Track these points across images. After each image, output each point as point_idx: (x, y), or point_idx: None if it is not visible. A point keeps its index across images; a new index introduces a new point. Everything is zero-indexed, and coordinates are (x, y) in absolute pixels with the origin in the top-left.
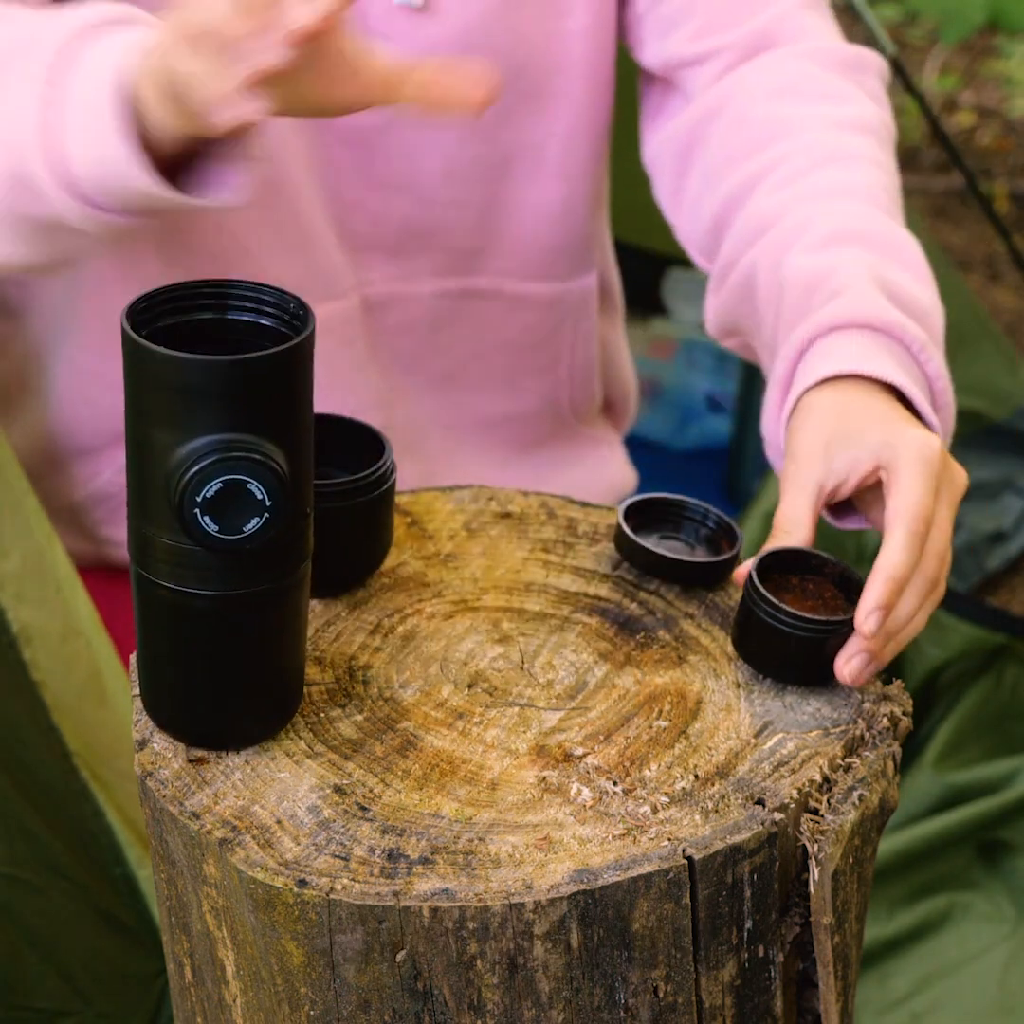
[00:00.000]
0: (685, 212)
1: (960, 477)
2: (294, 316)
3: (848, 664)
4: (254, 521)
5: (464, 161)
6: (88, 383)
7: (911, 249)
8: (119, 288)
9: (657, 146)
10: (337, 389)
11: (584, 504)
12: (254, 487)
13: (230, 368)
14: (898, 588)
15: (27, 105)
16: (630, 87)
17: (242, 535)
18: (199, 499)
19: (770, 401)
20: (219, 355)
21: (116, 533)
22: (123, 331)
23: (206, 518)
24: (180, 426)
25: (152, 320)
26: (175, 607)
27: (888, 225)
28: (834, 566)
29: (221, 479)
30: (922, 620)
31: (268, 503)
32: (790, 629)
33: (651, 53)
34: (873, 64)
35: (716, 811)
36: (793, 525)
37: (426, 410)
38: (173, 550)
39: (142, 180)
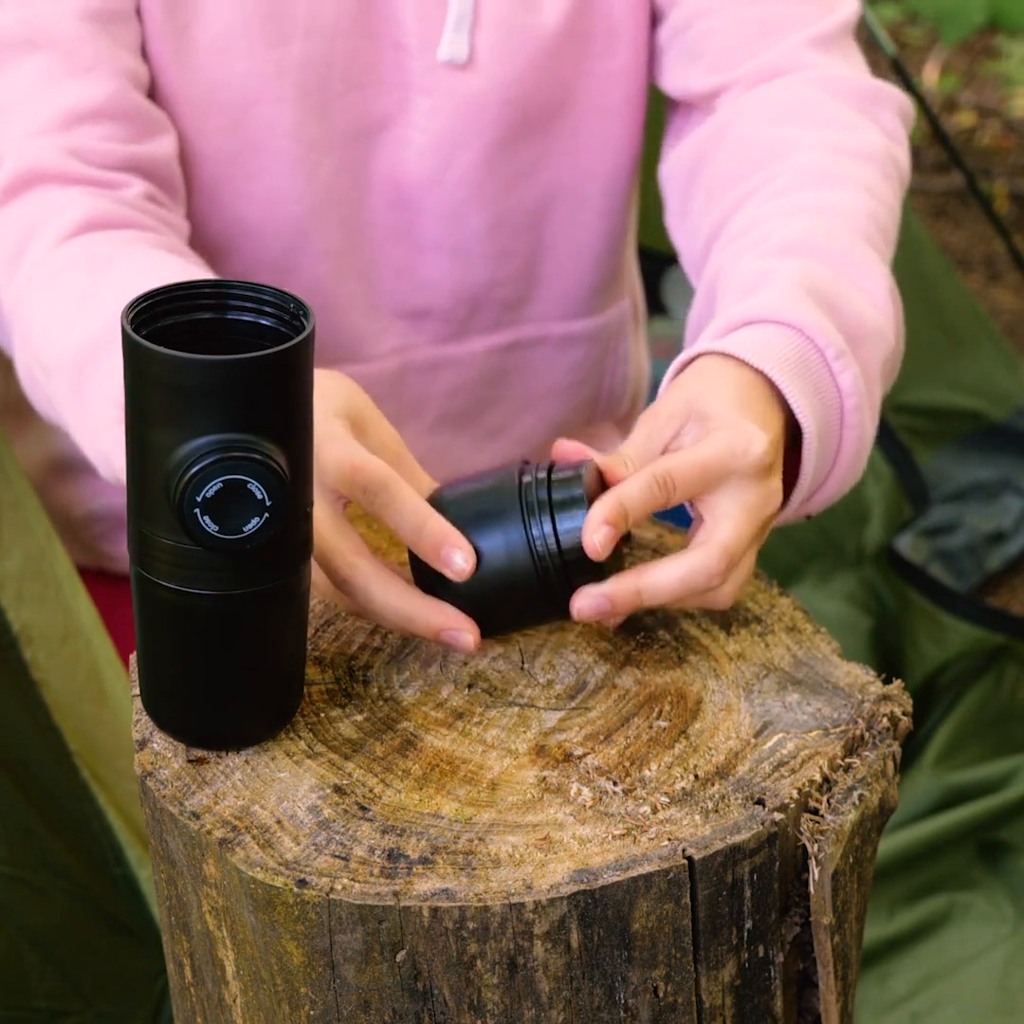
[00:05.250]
0: (687, 231)
1: (772, 495)
2: (294, 316)
3: (587, 596)
4: (254, 521)
5: (508, 209)
6: None
7: (874, 275)
8: None
9: (668, 166)
10: None
11: None
12: (254, 487)
13: (230, 368)
14: (623, 512)
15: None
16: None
17: (242, 535)
18: (199, 499)
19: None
20: (218, 355)
21: (115, 549)
22: (123, 330)
23: (206, 518)
24: (180, 426)
25: (152, 320)
26: (175, 607)
27: (855, 246)
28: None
29: (221, 479)
30: (683, 597)
31: (268, 503)
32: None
33: (671, 83)
34: (892, 100)
35: (716, 811)
36: (635, 461)
37: (472, 466)
38: (173, 550)
39: None
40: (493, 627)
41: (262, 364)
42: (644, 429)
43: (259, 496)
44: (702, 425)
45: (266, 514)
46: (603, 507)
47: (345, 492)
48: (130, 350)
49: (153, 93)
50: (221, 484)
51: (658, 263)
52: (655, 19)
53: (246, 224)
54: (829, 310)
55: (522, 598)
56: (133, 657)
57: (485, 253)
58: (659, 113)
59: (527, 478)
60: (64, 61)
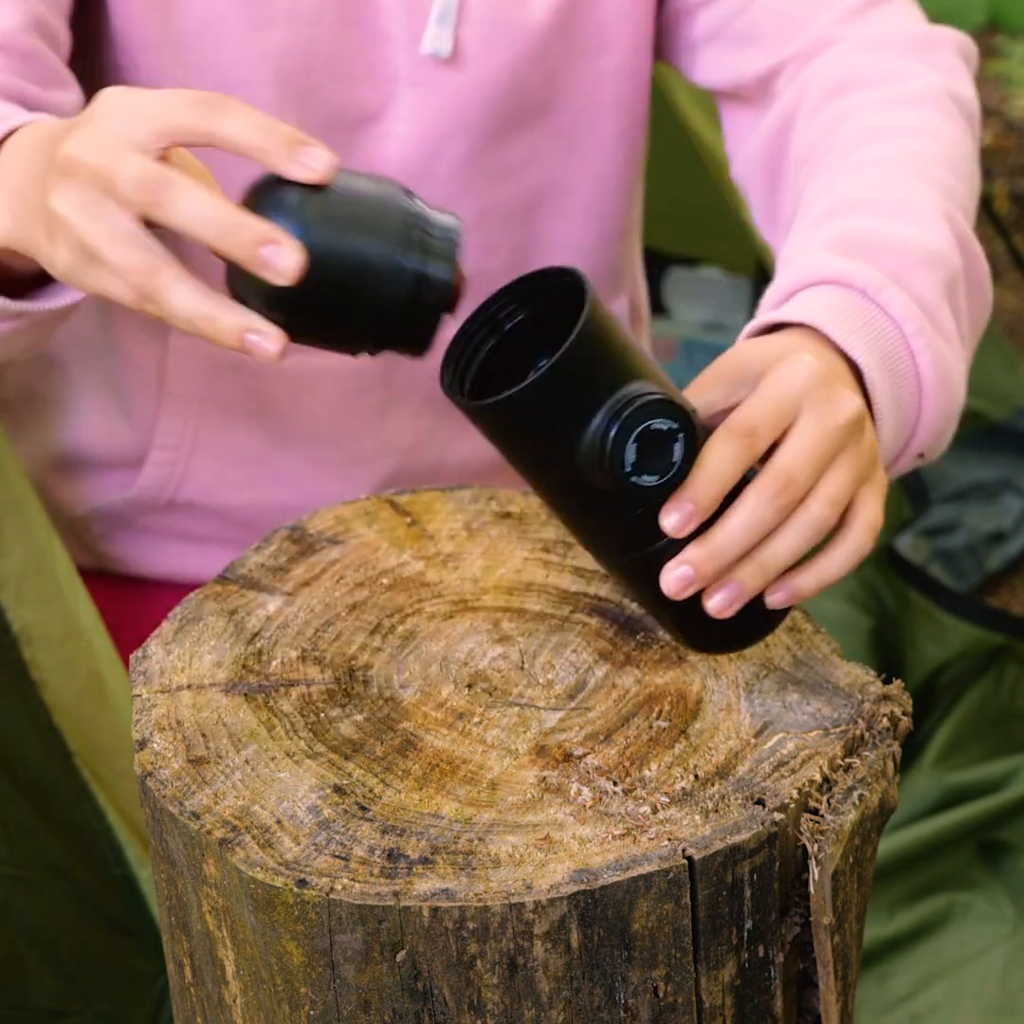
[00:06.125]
0: (781, 231)
1: (845, 404)
2: (554, 285)
3: (667, 575)
4: (676, 450)
5: (496, 204)
6: (107, 409)
7: (920, 205)
8: (131, 321)
9: (742, 168)
10: (353, 436)
11: None
12: (660, 423)
13: (565, 360)
14: (711, 485)
15: None
16: None
17: (674, 468)
18: (629, 459)
19: None
20: (540, 361)
21: (115, 549)
22: (468, 408)
23: (643, 476)
24: (571, 424)
25: (464, 376)
26: (649, 578)
27: (898, 186)
28: None
29: (639, 429)
30: (787, 547)
31: (679, 433)
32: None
33: (720, 76)
34: (947, 41)
35: (716, 811)
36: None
37: (457, 452)
38: (625, 537)
39: None
40: (315, 329)
41: (581, 338)
42: (712, 380)
43: (666, 428)
44: (751, 380)
45: (681, 434)
46: (682, 490)
47: (142, 193)
48: (491, 416)
49: (135, 76)
50: (639, 432)
51: (658, 263)
52: (670, 21)
53: None
54: (863, 254)
55: (355, 313)
56: (133, 657)
57: (472, 244)
58: (654, 115)
59: (411, 206)
60: None
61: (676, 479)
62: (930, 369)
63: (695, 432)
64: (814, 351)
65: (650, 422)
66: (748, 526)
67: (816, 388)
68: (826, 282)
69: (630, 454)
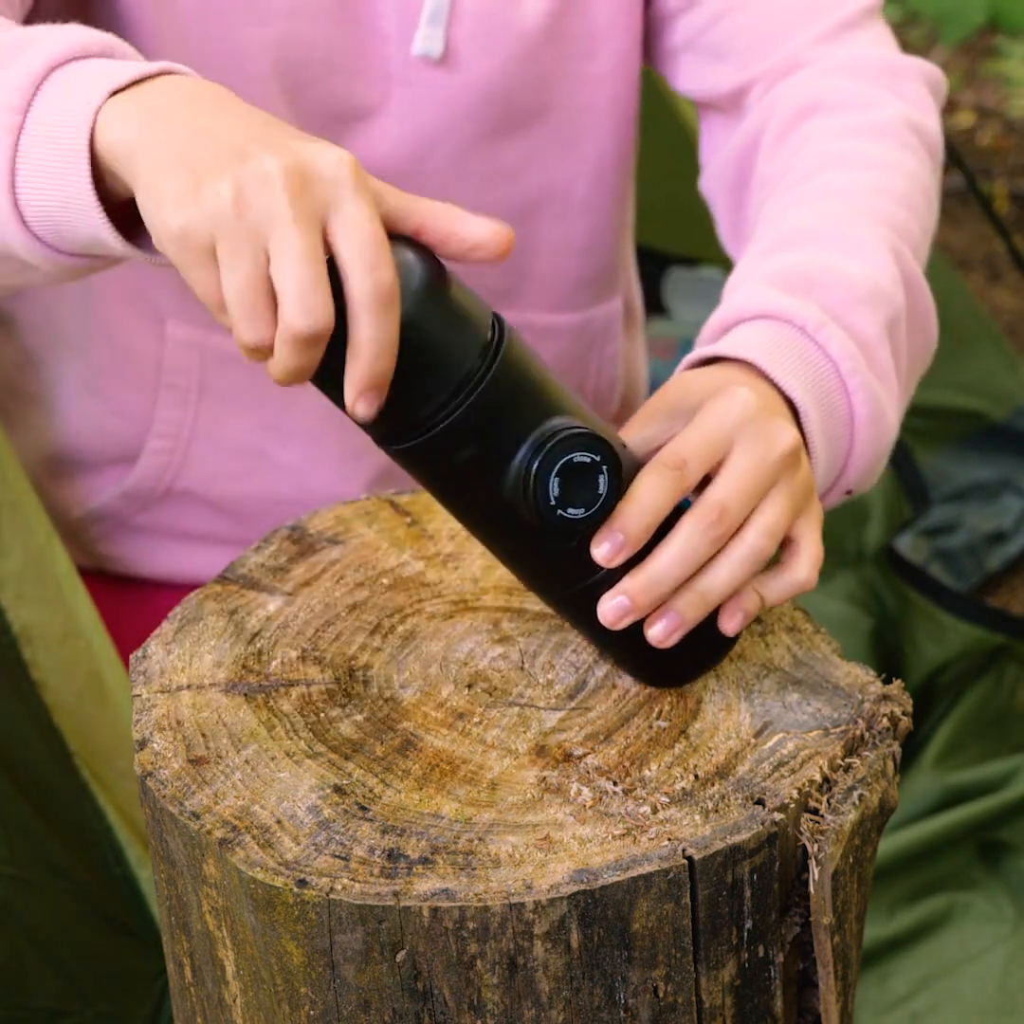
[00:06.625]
0: (745, 247)
1: (780, 436)
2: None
3: (603, 605)
4: (601, 483)
5: (490, 205)
6: (95, 405)
7: (867, 242)
8: (125, 312)
9: (709, 181)
10: (349, 429)
11: None
12: (581, 456)
13: (482, 399)
14: (641, 516)
15: None
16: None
17: (600, 501)
18: (553, 493)
19: None
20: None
21: (113, 549)
22: (392, 452)
23: (568, 510)
24: (495, 467)
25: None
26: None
27: (848, 221)
28: None
29: (561, 462)
30: (725, 576)
31: (598, 461)
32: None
33: (695, 85)
34: (915, 71)
35: (716, 811)
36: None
37: None
38: (565, 572)
39: (100, 229)
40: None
41: (498, 377)
42: (645, 418)
43: (589, 461)
44: (688, 413)
45: (603, 473)
46: (613, 519)
47: (364, 181)
48: (412, 457)
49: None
50: (562, 465)
51: (658, 263)
52: (652, 26)
53: None
54: (805, 290)
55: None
56: (133, 657)
57: None
58: (653, 113)
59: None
60: None
61: (603, 512)
62: (863, 408)
63: (620, 465)
64: (751, 385)
65: (572, 455)
66: (682, 556)
67: (750, 420)
68: (766, 317)
69: (553, 488)
